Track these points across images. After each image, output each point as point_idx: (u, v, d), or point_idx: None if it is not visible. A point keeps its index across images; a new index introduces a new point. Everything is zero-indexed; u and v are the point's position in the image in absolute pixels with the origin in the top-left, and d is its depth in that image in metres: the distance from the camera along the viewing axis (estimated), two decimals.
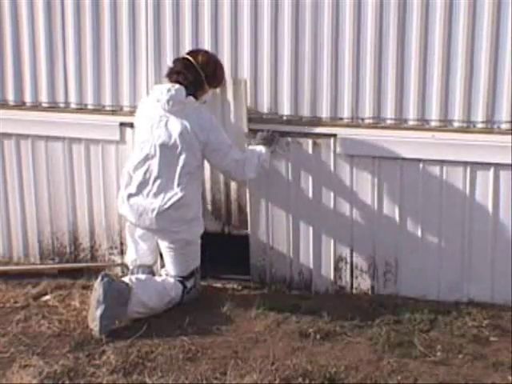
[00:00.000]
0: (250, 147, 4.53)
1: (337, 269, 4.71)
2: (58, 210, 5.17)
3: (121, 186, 4.55)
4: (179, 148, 4.32)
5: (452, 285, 4.53)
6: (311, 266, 4.74)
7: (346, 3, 4.40)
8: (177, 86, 4.34)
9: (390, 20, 4.35)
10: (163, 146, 4.34)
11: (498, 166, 4.35)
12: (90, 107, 4.97)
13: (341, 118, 4.54)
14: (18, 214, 5.26)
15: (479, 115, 4.33)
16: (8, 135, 5.16)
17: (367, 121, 4.50)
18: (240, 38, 4.60)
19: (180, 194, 4.33)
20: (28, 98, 5.09)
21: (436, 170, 4.45)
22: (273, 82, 4.61)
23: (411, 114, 4.43)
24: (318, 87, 4.54)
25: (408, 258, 4.58)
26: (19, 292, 4.79)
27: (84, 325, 4.30)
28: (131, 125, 4.85)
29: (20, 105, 5.11)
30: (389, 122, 4.47)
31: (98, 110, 4.94)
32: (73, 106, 5.01)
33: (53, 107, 5.04)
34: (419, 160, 4.45)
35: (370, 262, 4.66)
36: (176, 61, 4.46)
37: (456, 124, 4.37)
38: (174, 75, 4.39)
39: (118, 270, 5.07)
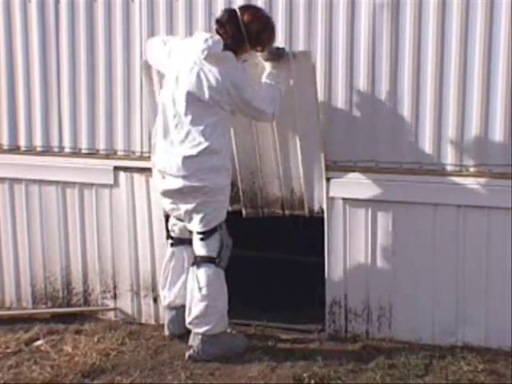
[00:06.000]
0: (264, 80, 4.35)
1: (331, 312, 4.69)
2: (51, 254, 5.15)
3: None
4: (208, 99, 4.16)
5: (446, 329, 4.51)
6: None
7: (339, 48, 4.44)
8: (216, 37, 4.18)
9: (383, 64, 4.40)
10: (192, 94, 4.18)
11: (490, 210, 4.36)
12: (84, 151, 4.98)
13: (334, 162, 4.56)
14: (11, 257, 5.24)
15: (472, 159, 4.35)
16: (2, 179, 5.17)
17: (360, 164, 4.52)
18: None
19: (207, 143, 4.19)
20: (22, 143, 5.10)
21: (429, 212, 4.46)
22: None
23: (404, 157, 4.46)
24: None
25: (402, 302, 4.57)
26: (11, 337, 4.75)
27: (76, 370, 4.26)
28: (125, 169, 4.87)
29: (14, 149, 5.12)
30: (382, 165, 4.50)
31: (92, 154, 4.96)
32: (67, 150, 5.02)
33: (47, 151, 5.06)
34: (412, 203, 4.47)
35: (364, 305, 4.64)
36: (224, 11, 4.28)
37: (449, 167, 4.40)
38: (217, 26, 4.22)
39: (111, 314, 5.05)
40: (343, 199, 4.56)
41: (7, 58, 5.03)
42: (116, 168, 4.91)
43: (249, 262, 5.14)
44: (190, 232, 4.48)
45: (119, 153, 4.91)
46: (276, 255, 5.30)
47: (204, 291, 4.34)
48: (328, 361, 4.31)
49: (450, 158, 4.39)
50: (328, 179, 4.56)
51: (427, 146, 4.40)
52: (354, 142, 4.51)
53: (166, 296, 4.67)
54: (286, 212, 4.68)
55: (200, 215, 4.34)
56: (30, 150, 5.10)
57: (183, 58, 4.25)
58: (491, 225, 4.38)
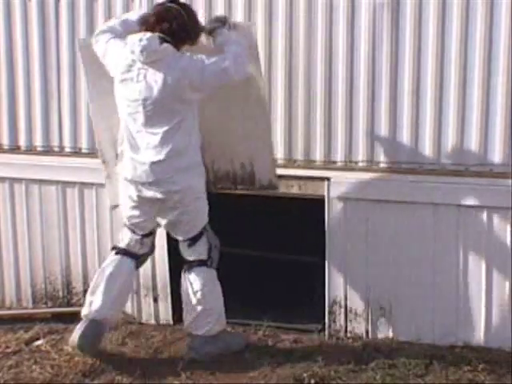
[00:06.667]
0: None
1: (331, 312, 4.69)
2: (51, 253, 5.16)
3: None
4: (163, 100, 4.07)
5: (447, 328, 4.51)
6: None
7: (339, 49, 4.45)
8: (148, 34, 4.06)
9: (383, 63, 4.40)
10: (146, 100, 4.08)
11: (491, 209, 4.36)
12: (84, 151, 4.98)
13: (334, 162, 4.56)
14: (11, 257, 5.25)
15: (472, 158, 4.36)
16: (2, 179, 5.17)
17: (360, 164, 4.52)
18: None
19: (171, 145, 4.11)
20: (22, 142, 5.10)
21: (429, 212, 4.46)
22: None
23: (404, 157, 4.46)
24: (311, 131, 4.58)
25: (402, 302, 4.57)
26: (11, 337, 4.75)
27: (76, 370, 4.26)
28: None
29: (14, 149, 5.12)
30: (382, 165, 4.50)
31: (92, 153, 4.95)
32: (67, 149, 5.02)
33: (47, 151, 5.06)
34: (412, 203, 4.47)
35: (364, 305, 4.64)
36: (163, 6, 4.15)
37: (449, 167, 4.40)
38: (158, 25, 4.08)
39: None
40: (343, 199, 4.56)
41: (7, 57, 5.04)
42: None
43: (248, 261, 5.14)
44: (141, 244, 4.38)
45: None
46: (276, 255, 5.30)
47: (199, 295, 4.32)
48: (328, 361, 4.31)
49: (450, 157, 4.39)
50: (328, 179, 4.56)
51: (427, 145, 4.40)
52: (354, 141, 4.51)
53: (93, 302, 4.35)
54: (238, 187, 4.60)
55: (182, 225, 4.31)
56: (30, 150, 5.10)
57: (126, 66, 4.13)
58: (491, 225, 4.38)
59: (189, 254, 4.37)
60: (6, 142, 5.14)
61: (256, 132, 4.41)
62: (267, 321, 4.79)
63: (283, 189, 4.65)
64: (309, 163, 4.60)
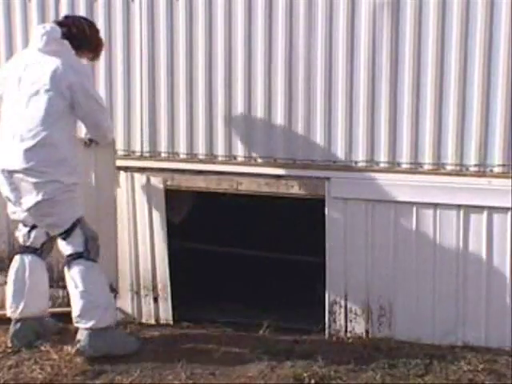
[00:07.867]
0: None
1: (331, 312, 4.70)
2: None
3: None
4: (48, 86, 4.18)
5: (447, 328, 4.51)
6: None
7: (339, 48, 4.45)
8: (52, 24, 4.35)
9: (383, 64, 4.40)
10: (33, 84, 4.20)
11: (491, 209, 4.36)
12: None
13: (334, 162, 4.57)
14: None
15: (472, 158, 4.36)
16: None
17: (360, 164, 4.52)
18: (234, 82, 4.66)
19: (45, 133, 4.17)
20: None
21: (429, 213, 4.46)
22: (267, 125, 4.64)
23: (404, 157, 4.46)
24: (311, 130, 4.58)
25: (402, 302, 4.57)
26: None
27: (76, 370, 4.26)
28: (125, 168, 4.88)
29: None
30: (382, 165, 4.50)
31: None
32: None
33: None
34: (412, 203, 4.47)
35: (364, 305, 4.64)
36: (72, 18, 4.51)
37: (449, 167, 4.40)
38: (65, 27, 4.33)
39: None
40: (343, 199, 4.56)
41: (7, 57, 5.02)
42: (116, 168, 4.91)
43: (248, 261, 5.15)
44: (29, 237, 4.50)
45: (119, 153, 4.89)
46: (276, 255, 5.31)
47: (80, 287, 4.32)
48: (328, 360, 4.31)
49: (450, 157, 4.39)
50: (328, 179, 4.56)
51: (427, 145, 4.40)
52: (354, 141, 4.51)
53: (15, 304, 4.55)
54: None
55: (50, 218, 4.30)
56: None
57: (22, 61, 4.31)
58: (491, 225, 4.38)
59: (66, 248, 4.36)
60: None
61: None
62: (267, 321, 4.79)
63: (283, 189, 4.67)
64: (309, 163, 4.60)
